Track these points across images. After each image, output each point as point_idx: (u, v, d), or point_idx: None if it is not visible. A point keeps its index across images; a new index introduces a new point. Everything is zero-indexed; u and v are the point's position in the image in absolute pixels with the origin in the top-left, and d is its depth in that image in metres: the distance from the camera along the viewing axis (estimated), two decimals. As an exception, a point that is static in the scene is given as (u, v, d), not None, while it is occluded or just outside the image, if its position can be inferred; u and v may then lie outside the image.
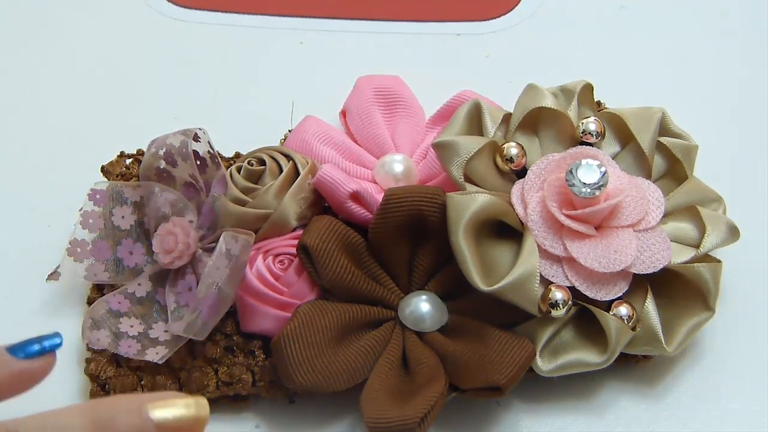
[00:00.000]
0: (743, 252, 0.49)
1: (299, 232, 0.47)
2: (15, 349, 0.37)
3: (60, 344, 0.37)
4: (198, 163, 0.46)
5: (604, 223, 0.45)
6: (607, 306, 0.45)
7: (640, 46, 0.60)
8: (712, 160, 0.50)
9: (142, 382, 0.45)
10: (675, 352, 0.45)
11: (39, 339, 0.37)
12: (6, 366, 0.36)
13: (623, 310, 0.45)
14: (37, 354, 0.37)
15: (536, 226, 0.45)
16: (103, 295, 0.47)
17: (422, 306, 0.45)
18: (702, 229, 0.46)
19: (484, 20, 0.61)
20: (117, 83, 0.57)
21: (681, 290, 0.46)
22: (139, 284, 0.46)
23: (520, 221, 0.46)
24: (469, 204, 0.44)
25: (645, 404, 0.47)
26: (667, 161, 0.48)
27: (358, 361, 0.44)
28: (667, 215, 0.47)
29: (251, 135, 0.51)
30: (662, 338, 0.45)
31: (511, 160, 0.47)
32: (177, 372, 0.45)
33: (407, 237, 0.46)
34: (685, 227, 0.47)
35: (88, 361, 0.46)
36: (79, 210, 0.47)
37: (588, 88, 0.49)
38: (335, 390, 0.44)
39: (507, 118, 0.48)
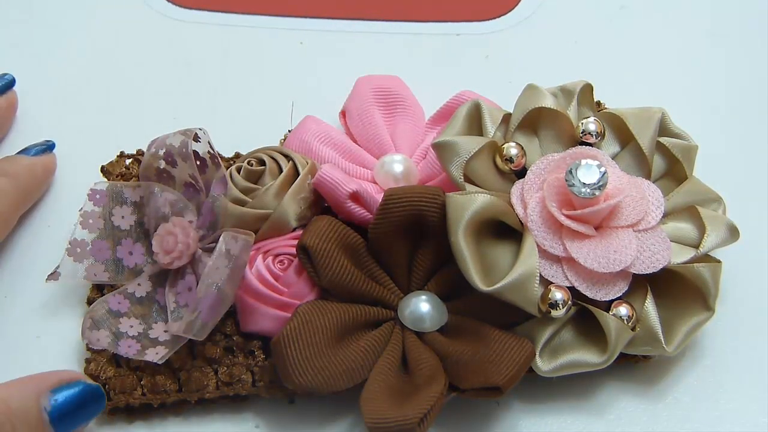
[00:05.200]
0: (743, 252, 0.49)
1: (299, 232, 0.47)
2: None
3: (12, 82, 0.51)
4: (198, 163, 0.46)
5: (603, 223, 0.45)
6: (607, 306, 0.45)
7: (640, 46, 0.60)
8: (712, 160, 0.50)
9: (142, 382, 0.45)
10: (675, 352, 0.45)
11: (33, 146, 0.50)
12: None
13: (623, 310, 0.45)
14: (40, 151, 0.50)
15: (536, 226, 0.45)
16: (103, 295, 0.47)
17: (422, 306, 0.45)
18: (702, 230, 0.46)
19: (483, 20, 0.61)
20: (117, 83, 0.57)
21: (681, 290, 0.46)
22: (139, 284, 0.46)
23: (520, 221, 0.45)
24: (469, 204, 0.44)
25: (644, 404, 0.47)
26: (666, 161, 0.48)
27: (358, 361, 0.44)
28: (667, 215, 0.47)
29: (251, 135, 0.51)
30: (662, 338, 0.45)
31: (510, 160, 0.46)
32: (177, 372, 0.45)
33: (407, 237, 0.46)
34: (684, 227, 0.47)
35: (87, 361, 0.46)
36: (79, 210, 0.47)
37: (588, 88, 0.49)
38: (335, 390, 0.44)
39: (507, 118, 0.48)
